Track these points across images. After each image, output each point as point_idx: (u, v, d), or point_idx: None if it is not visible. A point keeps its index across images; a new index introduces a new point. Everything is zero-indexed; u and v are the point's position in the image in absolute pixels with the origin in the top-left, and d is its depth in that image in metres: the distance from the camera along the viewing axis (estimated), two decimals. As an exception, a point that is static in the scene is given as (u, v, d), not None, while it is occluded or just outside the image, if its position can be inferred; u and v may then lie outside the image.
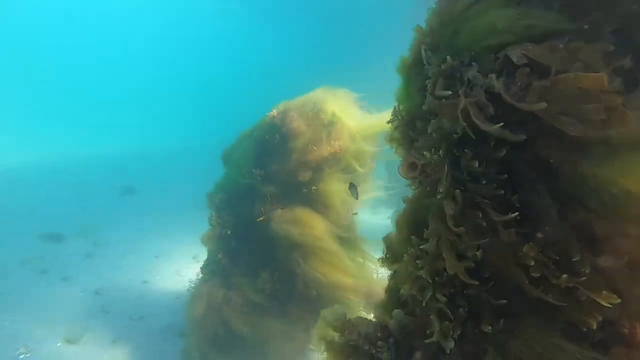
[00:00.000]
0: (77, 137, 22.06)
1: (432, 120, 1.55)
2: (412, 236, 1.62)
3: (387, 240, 2.20)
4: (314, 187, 4.62)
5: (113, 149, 19.48)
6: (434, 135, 1.53)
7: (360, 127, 4.89)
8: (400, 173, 1.98)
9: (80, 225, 9.01)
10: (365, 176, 5.10)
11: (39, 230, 8.57)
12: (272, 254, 4.98)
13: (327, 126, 4.82)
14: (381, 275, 4.73)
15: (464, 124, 1.35)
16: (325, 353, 1.76)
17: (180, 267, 7.81)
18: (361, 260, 4.65)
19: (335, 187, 4.69)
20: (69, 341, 5.19)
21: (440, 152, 1.46)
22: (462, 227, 1.29)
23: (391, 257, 2.16)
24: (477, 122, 1.31)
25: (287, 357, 4.68)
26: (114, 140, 22.16)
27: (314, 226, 4.45)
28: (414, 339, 1.61)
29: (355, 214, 4.93)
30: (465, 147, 1.38)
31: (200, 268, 5.38)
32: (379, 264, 4.29)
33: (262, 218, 4.77)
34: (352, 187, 3.82)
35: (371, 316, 4.68)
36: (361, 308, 4.71)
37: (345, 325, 1.74)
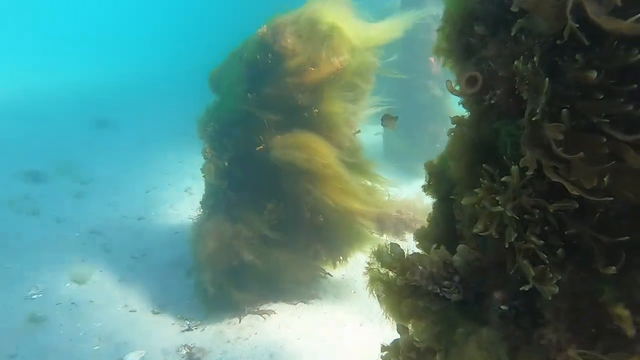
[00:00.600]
0: (40, 67, 20.18)
1: (519, 20, 1.24)
2: (484, 165, 1.40)
3: (429, 166, 1.99)
4: (315, 110, 4.28)
5: (83, 79, 18.01)
6: (523, 39, 1.23)
7: (361, 39, 4.42)
8: (451, 90, 1.70)
9: (58, 162, 8.51)
10: (365, 92, 4.76)
11: (14, 169, 8.06)
12: (276, 183, 4.79)
13: (325, 40, 4.33)
14: (392, 197, 4.64)
15: (574, 25, 1.05)
16: (383, 295, 1.62)
17: (173, 202, 7.61)
18: (369, 183, 4.49)
19: (337, 108, 4.36)
20: (78, 281, 5.10)
21: (534, 60, 1.17)
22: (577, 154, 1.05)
23: (434, 184, 1.97)
24: (598, 20, 1.02)
25: (301, 283, 4.72)
26: (83, 69, 20.37)
27: (319, 150, 4.20)
28: (487, 278, 1.46)
29: (359, 131, 4.67)
30: (574, 52, 1.09)
31: (200, 202, 5.18)
32: (388, 186, 4.11)
33: (261, 147, 4.47)
34: (387, 119, 3.46)
35: (384, 237, 4.64)
36: (373, 232, 4.68)
37: (405, 264, 1.58)
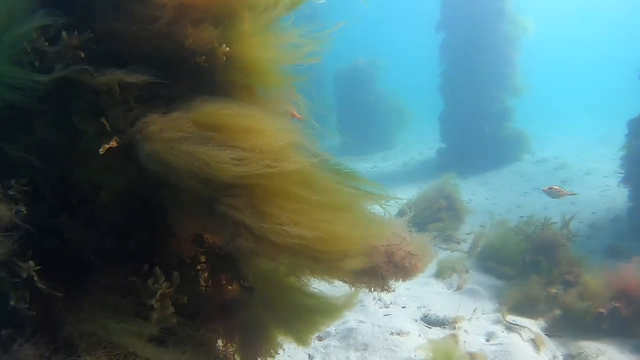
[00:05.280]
0: None
1: None
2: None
3: None
4: (224, 48, 2.02)
5: None
6: None
7: None
8: None
9: None
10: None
11: None
12: (151, 222, 2.26)
13: None
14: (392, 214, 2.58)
15: None
16: None
17: None
18: (349, 189, 2.37)
19: (270, 51, 2.22)
20: None
21: None
22: None
23: None
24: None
25: None
26: None
27: (257, 130, 1.94)
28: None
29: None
30: None
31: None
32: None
33: (112, 143, 1.94)
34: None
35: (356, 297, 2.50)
36: (354, 285, 2.51)
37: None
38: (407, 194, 11.73)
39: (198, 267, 2.61)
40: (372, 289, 2.69)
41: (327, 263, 2.10)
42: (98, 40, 2.05)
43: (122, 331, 2.04)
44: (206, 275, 2.70)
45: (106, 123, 1.98)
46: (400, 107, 20.56)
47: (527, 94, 15.05)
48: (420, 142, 20.06)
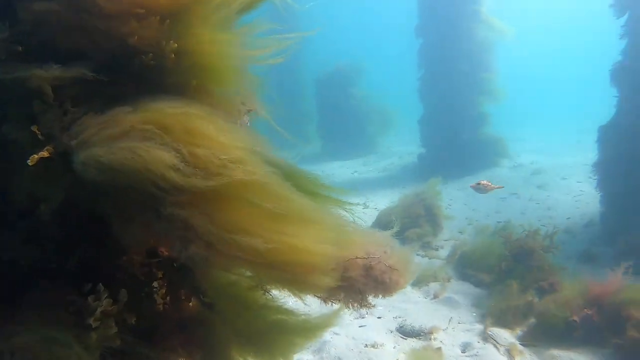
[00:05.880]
0: None
1: None
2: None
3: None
4: (172, 44, 1.82)
5: None
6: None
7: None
8: None
9: None
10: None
11: None
12: (96, 231, 2.05)
13: None
14: (363, 222, 2.41)
15: None
16: None
17: None
18: (311, 198, 2.20)
19: (226, 49, 2.04)
20: None
21: None
22: None
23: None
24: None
25: None
26: None
27: (209, 134, 1.75)
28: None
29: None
30: None
31: None
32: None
33: (44, 152, 1.72)
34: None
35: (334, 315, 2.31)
36: (331, 300, 2.34)
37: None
38: (386, 199, 11.66)
39: (155, 283, 2.41)
40: (350, 305, 2.50)
41: (291, 276, 1.92)
42: (29, 34, 1.83)
43: (59, 349, 1.83)
44: (163, 291, 2.49)
45: (37, 131, 1.76)
46: (382, 111, 20.57)
47: (505, 98, 15.22)
48: (401, 146, 20.12)
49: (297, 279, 1.82)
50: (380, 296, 2.49)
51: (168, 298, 2.58)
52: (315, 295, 2.36)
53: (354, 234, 2.30)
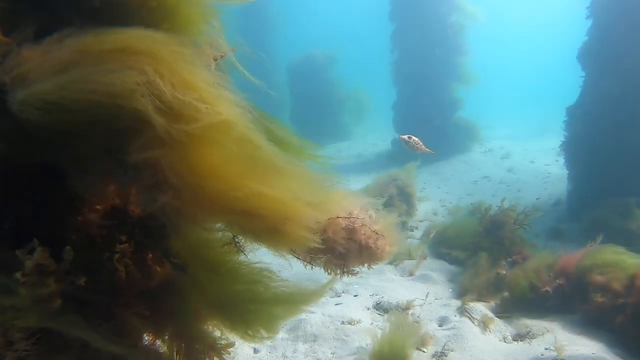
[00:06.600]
0: None
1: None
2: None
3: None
4: None
5: None
6: None
7: None
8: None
9: None
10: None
11: None
12: (44, 187, 1.84)
13: None
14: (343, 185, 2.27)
15: None
16: None
17: None
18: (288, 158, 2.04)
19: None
20: None
21: None
22: None
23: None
24: None
25: None
26: None
27: (177, 64, 1.57)
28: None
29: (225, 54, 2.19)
30: None
31: None
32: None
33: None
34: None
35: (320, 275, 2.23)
36: (314, 265, 2.20)
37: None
38: (360, 184, 11.62)
39: (115, 247, 2.20)
40: (331, 270, 2.33)
41: (264, 224, 1.75)
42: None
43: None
44: (129, 255, 2.29)
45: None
46: (356, 98, 20.51)
47: (477, 83, 15.43)
48: (375, 133, 20.16)
49: (271, 228, 1.68)
50: (366, 265, 2.30)
51: (132, 263, 2.39)
52: (293, 255, 2.20)
53: (333, 193, 2.17)
